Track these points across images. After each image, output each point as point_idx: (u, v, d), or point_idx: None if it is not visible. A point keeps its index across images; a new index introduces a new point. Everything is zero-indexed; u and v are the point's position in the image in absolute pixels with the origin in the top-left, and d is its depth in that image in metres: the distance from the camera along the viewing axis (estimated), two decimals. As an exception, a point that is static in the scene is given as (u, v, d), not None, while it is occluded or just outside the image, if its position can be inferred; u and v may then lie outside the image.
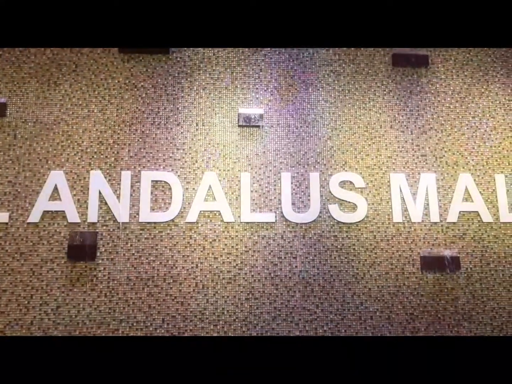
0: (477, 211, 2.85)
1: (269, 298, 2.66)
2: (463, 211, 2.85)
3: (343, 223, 2.78)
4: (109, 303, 2.59)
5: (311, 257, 2.73)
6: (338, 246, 2.75)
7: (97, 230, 2.67)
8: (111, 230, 2.69)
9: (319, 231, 2.77)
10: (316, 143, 2.90)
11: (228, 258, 2.70)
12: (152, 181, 2.77)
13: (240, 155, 2.84)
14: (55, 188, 2.70)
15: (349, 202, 2.82)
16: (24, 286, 2.57)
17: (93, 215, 2.69)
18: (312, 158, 2.87)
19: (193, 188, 2.78)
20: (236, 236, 2.73)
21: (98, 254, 2.64)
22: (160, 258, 2.67)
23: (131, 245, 2.67)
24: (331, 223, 2.78)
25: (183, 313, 2.61)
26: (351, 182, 2.85)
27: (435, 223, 2.82)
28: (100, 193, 2.72)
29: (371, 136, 2.94)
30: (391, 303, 2.70)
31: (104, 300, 2.59)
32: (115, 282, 2.62)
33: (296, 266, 2.71)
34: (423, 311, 2.70)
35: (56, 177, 2.71)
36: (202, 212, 2.75)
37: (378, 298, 2.70)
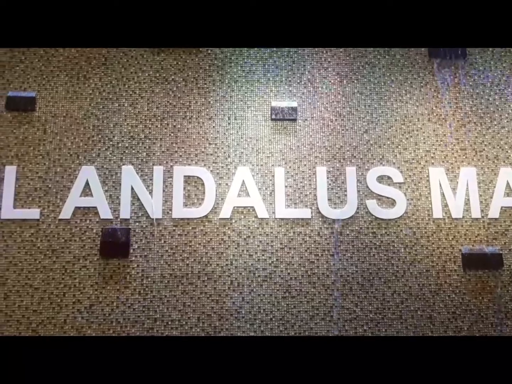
0: (520, 207, 2.75)
1: (306, 296, 2.58)
2: (505, 207, 2.76)
3: (382, 219, 2.70)
4: (143, 301, 2.53)
5: (349, 255, 2.65)
6: (377, 243, 2.66)
7: (129, 227, 2.61)
8: (144, 226, 2.62)
9: (356, 228, 2.68)
10: (352, 136, 2.81)
11: (263, 255, 2.63)
12: (184, 176, 2.70)
13: (273, 150, 2.77)
14: (87, 184, 2.64)
15: (387, 197, 2.73)
16: (57, 284, 2.52)
17: (125, 211, 2.63)
18: (348, 152, 2.79)
19: (226, 184, 2.71)
20: (271, 232, 2.66)
21: (131, 251, 2.58)
22: (194, 255, 2.60)
23: (164, 242, 2.61)
24: (369, 219, 2.70)
25: (218, 311, 2.54)
26: (389, 177, 2.76)
27: (476, 219, 2.72)
28: (132, 188, 2.65)
29: (409, 130, 2.84)
30: (433, 301, 2.61)
31: (138, 298, 2.53)
32: (149, 279, 2.56)
33: (333, 264, 2.63)
34: (466, 310, 2.60)
35: (88, 173, 2.65)
36: (235, 208, 2.68)
37: (419, 297, 2.61)
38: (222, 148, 2.75)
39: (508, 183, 2.79)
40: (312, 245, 2.65)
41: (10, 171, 2.63)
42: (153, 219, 2.63)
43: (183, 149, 2.73)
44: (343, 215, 2.68)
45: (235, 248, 2.63)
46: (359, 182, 2.74)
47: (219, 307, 2.55)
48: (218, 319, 2.53)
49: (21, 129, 2.70)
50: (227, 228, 2.65)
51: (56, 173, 2.65)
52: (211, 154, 2.74)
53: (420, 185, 2.76)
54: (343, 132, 2.81)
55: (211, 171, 2.72)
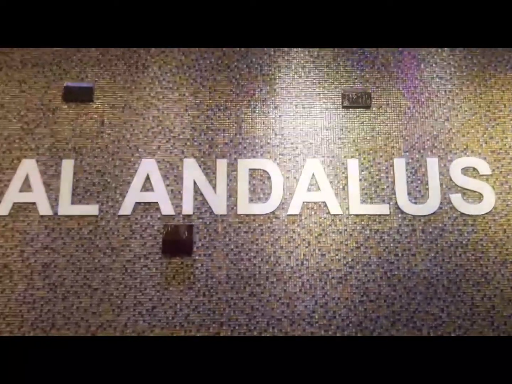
0: None
1: (386, 300, 2.34)
2: None
3: (468, 215, 2.43)
4: (208, 303, 2.35)
5: (432, 254, 2.39)
6: (463, 242, 2.40)
7: (192, 223, 2.43)
8: (208, 223, 2.44)
9: (440, 225, 2.43)
10: (432, 125, 2.56)
11: (337, 255, 2.40)
12: (249, 169, 2.51)
13: (346, 140, 2.54)
14: (147, 178, 2.48)
15: (473, 191, 2.46)
16: (117, 285, 2.37)
17: (188, 207, 2.45)
18: (428, 142, 2.54)
19: (295, 177, 2.50)
20: (345, 230, 2.43)
21: (194, 249, 2.41)
22: (261, 254, 2.41)
23: (229, 240, 2.42)
24: (454, 215, 2.44)
25: (289, 315, 2.33)
26: (474, 169, 2.49)
27: None
28: (194, 183, 2.48)
29: (495, 117, 2.57)
30: (530, 307, 2.32)
31: (203, 300, 2.35)
32: (214, 280, 2.37)
33: (415, 265, 2.38)
34: None
35: (148, 166, 2.50)
36: (305, 203, 2.47)
37: (514, 302, 2.33)
38: (289, 139, 2.55)
39: None
40: (391, 244, 2.41)
41: (68, 165, 2.50)
42: (217, 215, 2.45)
43: (247, 141, 2.55)
44: (424, 211, 2.43)
45: (306, 247, 2.42)
46: (442, 175, 2.49)
47: (290, 311, 2.34)
48: (289, 324, 2.33)
49: (78, 121, 2.57)
50: (296, 225, 2.44)
51: (115, 167, 2.50)
52: (277, 146, 2.54)
53: (509, 178, 2.48)
54: (422, 120, 2.57)
55: (278, 164, 2.52)
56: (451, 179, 2.48)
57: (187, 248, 2.40)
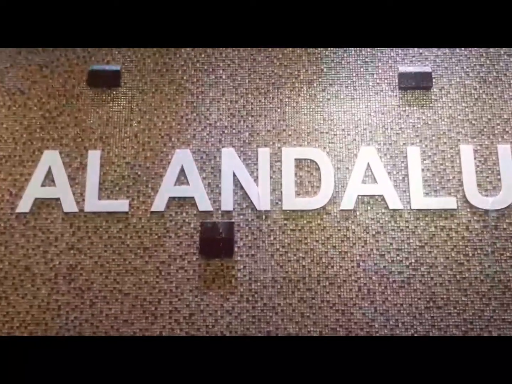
0: None
1: (456, 307, 2.05)
2: None
3: (548, 209, 2.12)
4: (252, 310, 2.08)
5: (508, 254, 2.09)
6: (544, 240, 2.09)
7: (233, 220, 2.17)
8: (250, 220, 2.17)
9: (516, 220, 2.12)
10: (502, 107, 2.25)
11: (398, 255, 2.11)
12: (295, 159, 2.24)
13: (404, 125, 2.25)
14: (181, 170, 2.23)
15: (554, 181, 2.15)
16: (150, 289, 2.11)
17: (227, 202, 2.19)
18: (499, 127, 2.23)
19: (347, 168, 2.22)
20: (407, 227, 2.14)
21: (235, 249, 2.14)
22: (311, 254, 2.13)
23: (274, 238, 2.15)
24: (532, 209, 2.13)
25: (345, 324, 2.05)
26: (554, 156, 2.17)
27: None
28: (234, 175, 2.21)
29: None
30: None
31: (246, 306, 2.08)
32: (258, 284, 2.10)
33: (489, 266, 2.08)
34: None
35: (182, 157, 2.24)
36: (360, 197, 2.18)
37: None
38: (339, 125, 2.26)
39: None
40: (460, 243, 2.11)
41: (94, 157, 2.26)
42: (260, 211, 2.18)
43: (292, 128, 2.27)
44: (497, 205, 2.13)
45: (362, 246, 2.13)
46: (516, 163, 2.18)
47: (346, 319, 2.06)
48: (345, 333, 2.04)
49: (105, 107, 2.32)
50: (350, 221, 2.16)
51: (146, 158, 2.25)
52: (326, 133, 2.26)
53: None
54: (490, 102, 2.26)
55: (327, 152, 2.24)
56: (526, 168, 2.16)
57: (228, 248, 2.14)
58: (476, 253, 2.10)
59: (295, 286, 2.10)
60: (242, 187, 2.21)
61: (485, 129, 2.22)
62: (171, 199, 2.20)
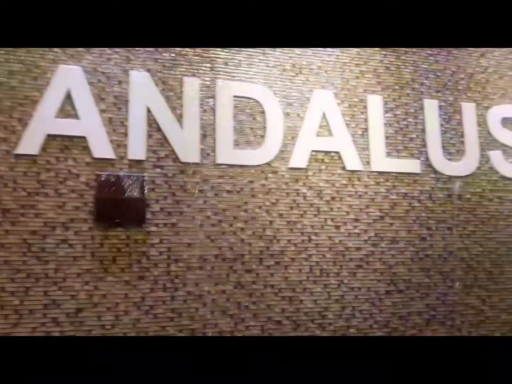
0: None
1: (418, 290, 1.72)
2: None
3: (509, 178, 1.89)
4: (170, 301, 1.49)
5: (471, 228, 1.82)
6: (505, 212, 1.87)
7: (145, 174, 1.52)
8: (170, 175, 1.56)
9: (479, 190, 1.86)
10: (466, 59, 1.96)
11: (355, 227, 1.70)
12: (234, 97, 1.66)
13: (365, 68, 1.82)
14: (67, 95, 1.49)
15: (514, 149, 1.93)
16: (13, 273, 1.37)
17: (137, 148, 1.55)
18: (463, 82, 1.94)
19: (298, 114, 1.72)
20: (366, 193, 1.73)
21: (148, 216, 1.51)
22: (252, 225, 1.60)
23: (204, 202, 1.57)
24: (494, 178, 1.89)
25: (293, 316, 1.58)
26: (514, 121, 1.96)
27: None
28: (148, 110, 1.56)
29: (534, 58, 2.06)
30: None
31: (163, 296, 1.48)
32: (181, 265, 1.52)
33: (452, 243, 1.78)
34: None
35: (69, 76, 1.50)
36: (314, 153, 1.70)
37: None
38: (288, 59, 1.74)
39: None
40: (423, 214, 1.78)
41: None
42: (185, 163, 1.57)
43: (230, 57, 1.68)
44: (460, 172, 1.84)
45: (315, 215, 1.67)
46: (479, 125, 1.91)
47: (294, 309, 1.59)
48: (293, 328, 1.57)
49: None
50: (301, 183, 1.68)
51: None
52: (274, 67, 1.72)
53: (551, 135, 2.00)
54: (455, 52, 1.95)
55: (274, 92, 1.71)
56: (489, 132, 1.91)
57: (137, 214, 1.49)
58: (439, 226, 1.79)
59: (231, 267, 1.56)
60: (159, 128, 1.57)
61: (449, 83, 1.91)
62: (50, 138, 1.46)
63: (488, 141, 1.91)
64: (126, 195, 1.49)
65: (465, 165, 1.86)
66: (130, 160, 1.53)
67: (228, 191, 1.59)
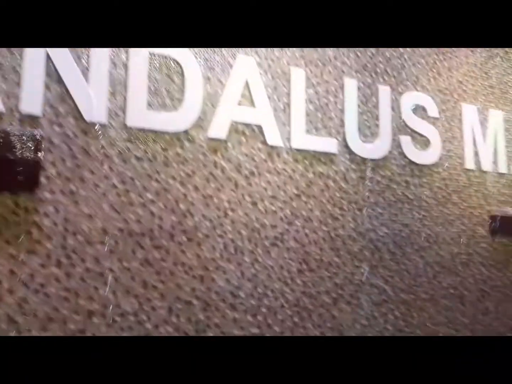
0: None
1: (328, 269, 1.72)
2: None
3: (415, 164, 1.97)
4: (66, 280, 1.31)
5: (379, 210, 1.86)
6: (410, 196, 1.94)
7: (39, 132, 1.30)
8: (71, 135, 1.35)
9: (388, 173, 1.90)
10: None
11: (272, 204, 1.64)
12: (150, 54, 1.49)
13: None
14: None
15: (421, 135, 2.00)
16: None
17: (31, 100, 1.31)
18: (381, 65, 1.95)
19: (219, 80, 1.60)
20: (284, 170, 1.68)
21: (43, 180, 1.30)
22: (164, 196, 1.46)
23: (110, 169, 1.39)
24: (402, 162, 1.94)
25: (203, 296, 1.49)
26: (424, 108, 2.03)
27: (503, 174, 2.21)
28: (48, 57, 1.34)
29: (444, 50, 2.14)
30: (463, 275, 2.03)
31: (56, 273, 1.30)
32: (79, 238, 1.34)
33: (362, 223, 1.81)
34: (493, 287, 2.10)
35: None
36: (234, 124, 1.60)
37: (451, 270, 2.00)
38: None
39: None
40: (337, 194, 1.78)
41: None
42: (89, 123, 1.37)
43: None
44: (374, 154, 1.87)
45: (232, 190, 1.58)
46: (393, 110, 1.95)
47: (205, 288, 1.50)
48: (202, 308, 1.48)
49: None
50: (220, 155, 1.57)
51: None
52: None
53: (452, 125, 2.11)
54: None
55: (195, 54, 1.57)
56: (401, 117, 1.96)
57: (28, 177, 1.27)
58: (350, 207, 1.79)
59: (138, 242, 1.41)
60: (60, 80, 1.34)
61: (368, 64, 1.91)
62: None
63: (399, 127, 1.96)
64: (16, 154, 1.25)
65: (377, 148, 1.88)
66: (23, 115, 1.29)
67: (138, 158, 1.43)
